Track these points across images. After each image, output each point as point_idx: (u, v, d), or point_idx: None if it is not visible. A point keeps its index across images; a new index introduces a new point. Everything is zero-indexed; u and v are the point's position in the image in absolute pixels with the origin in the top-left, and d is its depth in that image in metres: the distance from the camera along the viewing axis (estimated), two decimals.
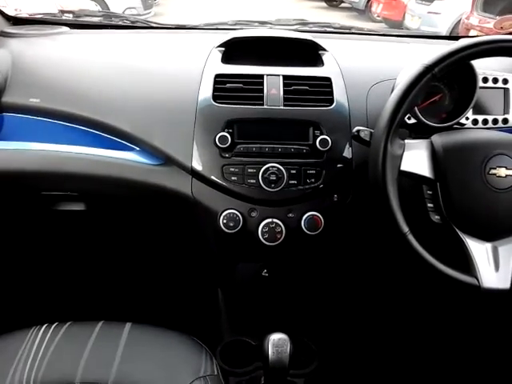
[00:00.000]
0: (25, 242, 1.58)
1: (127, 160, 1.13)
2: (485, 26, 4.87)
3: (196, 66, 1.18)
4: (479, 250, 0.92)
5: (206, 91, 1.12)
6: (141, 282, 1.68)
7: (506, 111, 1.14)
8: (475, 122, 1.12)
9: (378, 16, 8.78)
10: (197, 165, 1.09)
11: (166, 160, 1.12)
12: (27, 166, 1.14)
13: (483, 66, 1.08)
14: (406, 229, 0.91)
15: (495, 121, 1.13)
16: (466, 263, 0.92)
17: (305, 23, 1.58)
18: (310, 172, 1.09)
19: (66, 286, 1.68)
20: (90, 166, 1.13)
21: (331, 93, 1.14)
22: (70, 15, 1.62)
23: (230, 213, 1.08)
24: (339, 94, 1.14)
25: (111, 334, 0.97)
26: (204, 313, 1.50)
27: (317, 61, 1.23)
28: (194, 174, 1.09)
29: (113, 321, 1.00)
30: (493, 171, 0.91)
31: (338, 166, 1.10)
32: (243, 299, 1.30)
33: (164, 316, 1.35)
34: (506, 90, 1.14)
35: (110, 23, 1.56)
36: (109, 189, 1.19)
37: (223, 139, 1.07)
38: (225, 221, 1.08)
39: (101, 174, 1.13)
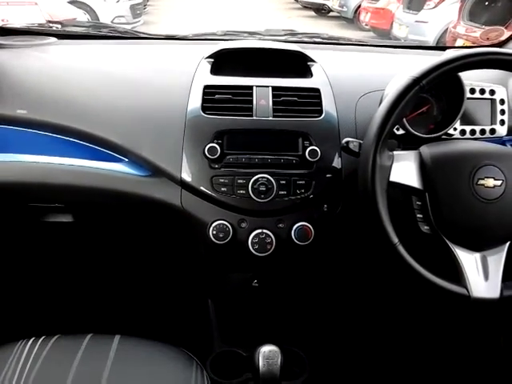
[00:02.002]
0: (13, 254, 1.56)
1: (116, 171, 1.12)
2: (471, 35, 4.93)
3: (185, 77, 1.18)
4: (468, 260, 0.92)
5: (195, 102, 1.12)
6: (130, 293, 1.67)
7: (493, 122, 1.15)
8: (463, 132, 1.13)
9: (366, 25, 8.86)
10: (186, 176, 1.08)
11: (155, 171, 1.11)
12: (14, 177, 1.13)
13: (470, 77, 1.10)
14: (395, 239, 0.91)
15: (483, 131, 1.14)
16: (456, 273, 0.93)
17: (294, 34, 1.59)
18: (300, 182, 1.09)
19: (53, 298, 1.66)
20: (77, 178, 1.12)
21: (320, 104, 1.14)
22: (58, 25, 1.61)
23: (219, 224, 1.08)
24: (328, 104, 1.15)
25: (100, 346, 0.96)
26: (194, 324, 1.48)
27: (306, 72, 1.24)
28: (183, 184, 1.09)
29: (101, 333, 0.99)
30: (481, 182, 0.91)
31: (328, 176, 1.10)
32: (234, 310, 1.30)
33: (153, 327, 1.33)
34: (493, 101, 1.15)
35: (98, 33, 1.56)
36: (97, 200, 1.18)
37: (212, 150, 1.07)
38: (214, 232, 1.07)
39: (88, 186, 1.12)
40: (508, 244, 0.94)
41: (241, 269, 1.19)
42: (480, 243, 0.93)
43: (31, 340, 0.96)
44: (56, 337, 0.97)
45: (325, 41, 1.59)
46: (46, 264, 1.62)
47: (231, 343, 1.34)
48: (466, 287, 0.90)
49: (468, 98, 1.09)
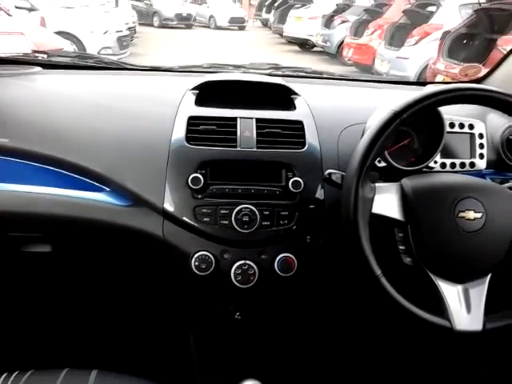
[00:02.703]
0: None
1: (97, 201, 1.11)
2: (450, 72, 5.08)
3: (169, 108, 1.19)
4: (451, 292, 0.93)
5: (180, 133, 1.13)
6: (108, 326, 1.63)
7: (472, 155, 1.18)
8: (443, 165, 1.15)
9: (349, 60, 9.08)
10: (169, 206, 1.07)
11: (137, 201, 1.10)
12: None
13: (450, 112, 1.12)
14: (378, 271, 0.91)
15: (462, 164, 1.16)
16: (439, 305, 0.93)
17: (278, 67, 1.62)
18: (283, 213, 1.09)
19: (28, 330, 1.61)
20: (57, 207, 1.10)
21: (303, 136, 1.16)
22: (44, 55, 1.62)
23: (202, 254, 1.07)
24: (311, 137, 1.16)
25: (76, 382, 0.92)
26: (174, 358, 1.45)
27: (289, 104, 1.26)
28: (165, 215, 1.08)
29: (78, 368, 0.96)
30: (462, 214, 0.92)
31: (311, 207, 1.11)
32: (215, 343, 1.27)
33: (132, 362, 1.30)
34: (472, 135, 1.18)
35: (84, 64, 1.56)
36: (77, 230, 1.16)
37: (196, 180, 1.06)
38: (197, 263, 1.06)
39: (69, 215, 1.11)
40: (489, 276, 0.94)
41: (223, 301, 1.18)
42: (462, 275, 0.94)
43: (3, 376, 0.92)
44: (30, 372, 0.94)
45: (308, 75, 1.62)
46: (22, 295, 1.58)
47: (212, 378, 1.30)
48: (448, 320, 0.90)
49: (448, 132, 1.11)
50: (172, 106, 1.20)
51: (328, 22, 10.84)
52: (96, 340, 1.60)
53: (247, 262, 1.08)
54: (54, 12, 7.75)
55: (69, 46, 6.21)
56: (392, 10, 8.52)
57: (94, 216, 1.10)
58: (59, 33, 6.62)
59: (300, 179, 1.09)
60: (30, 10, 7.28)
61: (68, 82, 1.39)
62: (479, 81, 1.52)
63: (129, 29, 9.43)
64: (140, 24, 13.82)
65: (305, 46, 12.53)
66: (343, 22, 10.25)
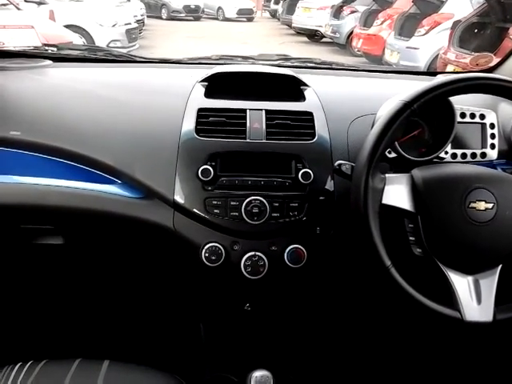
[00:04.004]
0: (2, 276, 1.54)
1: (108, 193, 1.12)
2: (461, 61, 5.02)
3: (179, 100, 1.19)
4: (461, 283, 0.92)
5: (189, 125, 1.13)
6: (120, 317, 1.65)
7: (483, 145, 1.17)
8: (454, 156, 1.14)
9: (359, 50, 9.00)
10: (179, 198, 1.08)
11: (148, 193, 1.11)
12: (6, 199, 1.12)
13: (461, 102, 1.11)
14: (388, 262, 0.91)
15: (473, 155, 1.15)
16: (449, 296, 0.93)
17: (287, 59, 1.61)
18: (293, 205, 1.09)
19: (42, 321, 1.63)
20: (69, 199, 1.11)
21: (313, 127, 1.15)
22: (54, 49, 1.63)
23: (212, 246, 1.07)
24: (321, 128, 1.16)
25: (88, 372, 0.94)
26: (185, 348, 1.46)
27: (298, 95, 1.25)
28: (176, 207, 1.09)
29: (90, 358, 0.97)
30: (472, 205, 0.92)
31: (321, 198, 1.11)
32: (225, 334, 1.28)
33: (143, 352, 1.31)
34: (483, 125, 1.17)
35: (93, 57, 1.57)
36: (88, 222, 1.17)
37: (206, 172, 1.07)
38: (207, 254, 1.07)
39: (80, 207, 1.12)
40: (500, 267, 0.94)
41: (233, 292, 1.18)
42: (472, 266, 0.93)
43: (18, 365, 0.94)
44: (43, 362, 0.95)
45: (317, 66, 1.61)
46: (34, 287, 1.60)
47: (222, 368, 1.32)
48: (459, 311, 0.90)
49: (459, 122, 1.10)
50: (181, 97, 1.20)
51: (337, 12, 10.74)
52: (108, 330, 1.62)
53: (257, 253, 1.09)
54: (63, 5, 7.76)
55: (78, 40, 6.22)
56: None
57: (106, 208, 1.11)
58: (68, 26, 6.63)
59: (310, 170, 1.09)
60: (39, 3, 7.29)
61: (78, 75, 1.40)
62: (490, 70, 1.50)
63: (137, 21, 9.42)
64: (148, 16, 13.79)
65: (314, 36, 12.43)
66: (352, 12, 10.15)
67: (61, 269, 1.54)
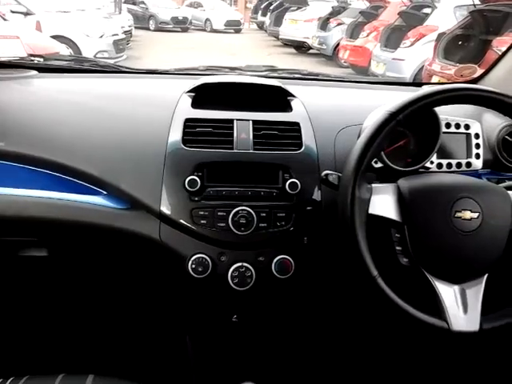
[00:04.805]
0: None
1: (93, 204, 1.11)
2: (446, 73, 5.10)
3: (166, 111, 1.19)
4: (448, 293, 0.93)
5: (176, 135, 1.13)
6: (105, 329, 1.62)
7: (468, 155, 1.18)
8: (440, 165, 1.15)
9: (345, 62, 9.09)
10: (165, 209, 1.07)
11: (134, 204, 1.10)
12: None
13: (446, 112, 1.12)
14: (375, 272, 0.91)
15: (459, 164, 1.16)
16: (436, 306, 0.93)
17: (274, 70, 1.62)
18: (280, 215, 1.09)
19: (24, 335, 1.60)
20: (53, 211, 1.10)
21: (300, 137, 1.16)
22: (40, 59, 1.62)
23: (198, 257, 1.07)
24: (308, 138, 1.16)
25: None
26: (171, 361, 1.44)
27: (285, 106, 1.26)
28: (162, 217, 1.08)
29: (74, 373, 0.96)
30: (458, 214, 0.92)
31: (308, 208, 1.11)
32: (212, 346, 1.27)
33: (129, 366, 1.29)
34: (468, 135, 1.18)
35: (80, 67, 1.56)
36: (73, 234, 1.15)
37: (193, 183, 1.06)
38: (193, 265, 1.06)
39: (65, 219, 1.10)
40: (486, 276, 0.94)
41: (220, 303, 1.18)
42: (458, 276, 0.94)
43: None
44: (26, 378, 0.93)
45: (304, 77, 1.62)
46: (18, 300, 1.57)
47: (209, 381, 1.30)
48: (445, 320, 0.90)
49: (444, 133, 1.11)
50: (168, 108, 1.20)
51: (324, 24, 10.86)
52: (92, 344, 1.59)
53: (244, 264, 1.08)
54: (50, 16, 7.74)
55: (65, 50, 6.20)
56: (387, 12, 8.54)
57: (91, 219, 1.10)
58: (55, 37, 6.61)
59: (297, 181, 1.09)
60: (26, 14, 7.27)
61: (64, 86, 1.39)
62: (475, 81, 1.52)
63: (125, 32, 9.43)
64: (136, 27, 13.82)
65: (301, 48, 12.54)
66: (339, 24, 10.27)
67: (45, 281, 1.51)
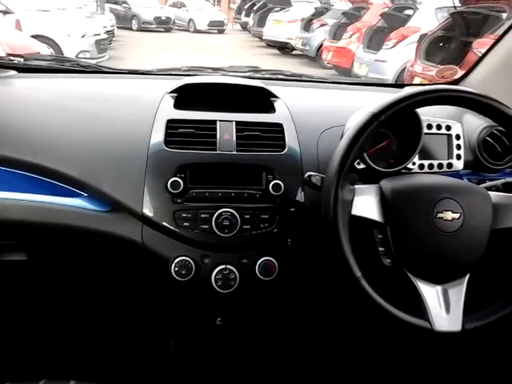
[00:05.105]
0: None
1: (73, 206, 1.09)
2: (427, 74, 5.15)
3: (148, 112, 1.18)
4: (430, 293, 0.93)
5: (158, 136, 1.11)
6: (87, 334, 1.60)
7: (450, 156, 1.19)
8: (421, 166, 1.16)
9: (328, 63, 9.14)
10: (147, 211, 1.06)
11: (115, 206, 1.09)
12: None
13: (427, 114, 1.13)
14: (358, 273, 0.91)
15: (440, 165, 1.17)
16: (419, 306, 0.93)
17: (257, 70, 1.62)
18: (264, 217, 1.09)
19: (3, 341, 1.57)
20: (33, 214, 1.08)
21: (283, 138, 1.15)
22: (20, 59, 1.59)
23: (182, 260, 1.06)
24: (291, 139, 1.16)
25: None
26: (155, 365, 1.43)
27: (269, 107, 1.25)
28: (144, 220, 1.07)
29: (55, 378, 0.94)
30: (440, 215, 0.93)
31: (291, 210, 1.11)
32: (197, 349, 1.26)
33: (111, 370, 1.28)
34: (449, 136, 1.19)
35: (60, 67, 1.54)
36: (53, 237, 1.13)
37: (175, 184, 1.05)
38: (176, 268, 1.05)
39: (45, 222, 1.08)
40: (468, 276, 0.95)
41: (204, 306, 1.17)
42: (441, 276, 0.94)
43: None
44: None
45: (287, 77, 1.62)
46: None
47: None
48: (428, 320, 0.91)
49: (425, 134, 1.12)
50: (150, 109, 1.18)
51: (307, 25, 10.91)
52: (74, 348, 1.57)
53: (228, 266, 1.08)
54: (30, 15, 7.64)
55: (46, 50, 6.11)
56: (370, 13, 8.60)
57: (71, 222, 1.08)
58: (35, 36, 6.53)
59: (280, 182, 1.09)
60: (5, 12, 7.16)
61: (44, 86, 1.37)
62: (455, 82, 1.54)
63: (107, 32, 9.35)
64: (119, 27, 13.72)
65: (284, 49, 12.57)
66: (322, 25, 10.32)
67: (25, 286, 1.49)
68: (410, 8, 7.60)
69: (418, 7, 7.36)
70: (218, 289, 1.07)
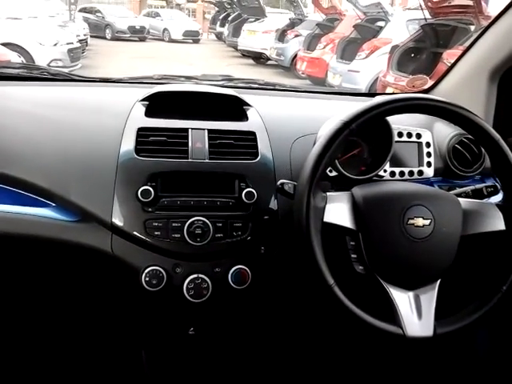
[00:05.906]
0: None
1: (41, 216, 1.06)
2: (399, 84, 5.26)
3: (118, 120, 1.16)
4: (402, 299, 0.94)
5: (129, 144, 1.10)
6: (56, 346, 1.56)
7: (420, 164, 1.20)
8: (393, 174, 1.17)
9: (303, 73, 9.22)
10: (117, 220, 1.04)
11: (84, 216, 1.06)
12: None
13: (398, 122, 1.14)
14: (331, 281, 0.91)
15: (411, 173, 1.19)
16: (391, 312, 0.94)
17: (230, 79, 1.62)
18: (237, 225, 1.08)
19: None
20: None
21: (256, 146, 1.15)
22: None
23: (152, 269, 1.04)
24: (264, 147, 1.16)
25: None
26: (126, 377, 1.40)
27: (241, 115, 1.25)
28: (114, 229, 1.05)
29: None
30: (411, 221, 0.94)
31: (265, 218, 1.10)
32: (169, 360, 1.24)
33: (83, 382, 1.24)
34: (420, 144, 1.21)
35: (29, 75, 1.51)
36: (20, 248, 1.11)
37: (146, 193, 1.04)
38: (147, 278, 1.03)
39: (12, 233, 1.06)
40: (439, 282, 0.96)
41: (176, 316, 1.15)
42: (412, 282, 0.95)
43: None
44: None
45: (261, 86, 1.62)
46: None
47: None
48: (400, 326, 0.91)
49: (396, 142, 1.13)
50: (121, 117, 1.17)
51: (281, 36, 11.00)
52: (43, 360, 1.53)
53: (200, 275, 1.06)
54: (0, 23, 7.51)
55: (16, 58, 6.02)
56: (343, 24, 8.74)
57: (39, 232, 1.06)
58: (6, 44, 6.42)
59: (253, 190, 1.08)
60: None
61: (12, 94, 1.33)
62: (426, 92, 1.56)
63: (80, 41, 9.27)
64: (92, 36, 13.63)
65: (259, 59, 12.64)
66: (296, 36, 10.42)
67: None
68: (382, 20, 7.73)
69: (390, 19, 7.50)
70: (190, 298, 1.05)
